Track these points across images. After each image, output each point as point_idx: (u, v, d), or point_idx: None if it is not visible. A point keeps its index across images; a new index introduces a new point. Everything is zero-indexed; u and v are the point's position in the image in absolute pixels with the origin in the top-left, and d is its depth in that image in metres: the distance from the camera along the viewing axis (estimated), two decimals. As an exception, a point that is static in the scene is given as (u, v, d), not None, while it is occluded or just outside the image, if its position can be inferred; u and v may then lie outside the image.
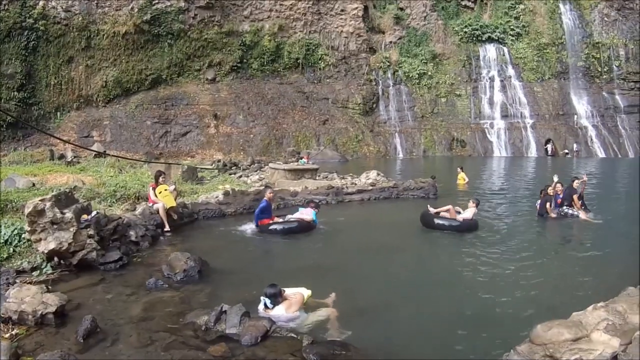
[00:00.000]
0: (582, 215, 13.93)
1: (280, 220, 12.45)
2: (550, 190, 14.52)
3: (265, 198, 12.65)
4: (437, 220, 12.51)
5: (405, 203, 17.80)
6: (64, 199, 8.69)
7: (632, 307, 4.68)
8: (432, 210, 12.97)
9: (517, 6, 47.19)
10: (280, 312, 6.38)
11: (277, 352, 5.19)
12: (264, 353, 5.18)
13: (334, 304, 6.95)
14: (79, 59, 37.83)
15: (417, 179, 19.79)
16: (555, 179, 15.39)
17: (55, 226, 8.16)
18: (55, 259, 8.22)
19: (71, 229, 8.17)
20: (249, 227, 12.64)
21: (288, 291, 6.67)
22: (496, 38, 46.74)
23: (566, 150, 43.80)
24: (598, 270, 9.14)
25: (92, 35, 37.96)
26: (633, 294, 5.04)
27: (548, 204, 14.27)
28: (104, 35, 38.05)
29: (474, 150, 44.05)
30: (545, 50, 46.63)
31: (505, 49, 46.85)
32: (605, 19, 47.05)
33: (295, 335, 5.61)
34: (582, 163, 37.89)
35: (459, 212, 12.96)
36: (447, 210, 12.88)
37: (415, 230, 12.89)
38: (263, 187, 17.08)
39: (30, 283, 7.23)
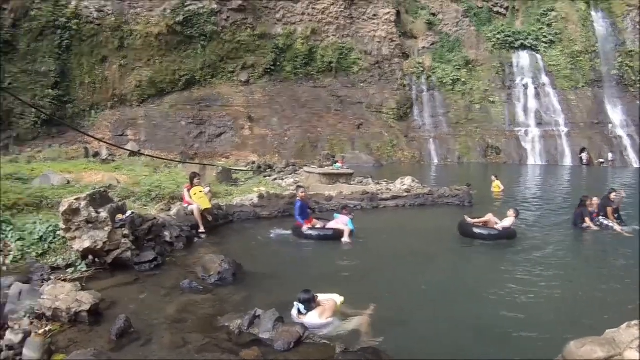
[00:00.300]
0: (617, 227, 13.65)
1: (318, 226, 12.36)
2: (588, 203, 14.31)
3: (297, 198, 12.71)
4: (475, 230, 12.44)
5: (440, 210, 17.73)
6: (98, 198, 8.73)
7: None
8: (469, 220, 12.85)
9: (549, 13, 46.92)
10: (313, 318, 6.37)
11: (309, 359, 5.18)
12: (297, 359, 5.17)
13: (366, 312, 6.85)
14: (112, 58, 37.28)
15: (452, 187, 19.73)
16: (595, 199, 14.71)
17: (90, 225, 8.19)
18: (90, 257, 8.24)
19: (106, 228, 8.23)
20: (284, 231, 12.64)
21: (321, 297, 6.66)
22: (529, 45, 46.33)
23: (601, 160, 42.90)
24: (632, 287, 8.80)
25: (125, 36, 37.47)
26: None
27: (587, 217, 14.08)
28: (137, 35, 37.59)
29: (508, 158, 43.13)
30: (578, 58, 46.08)
31: (539, 56, 46.35)
32: (638, 26, 46.59)
33: (328, 342, 5.60)
34: (617, 173, 37.21)
35: (497, 223, 12.81)
36: (487, 221, 12.82)
37: (449, 238, 12.78)
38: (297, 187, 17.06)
39: (64, 280, 7.24)
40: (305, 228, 12.10)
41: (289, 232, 12.46)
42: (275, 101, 40.68)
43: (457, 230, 12.87)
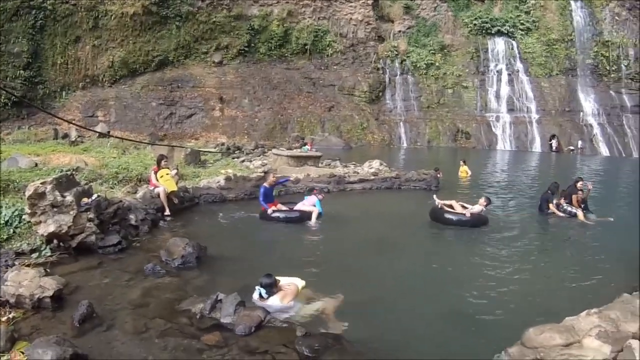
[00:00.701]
0: (580, 215, 13.94)
1: (284, 208, 12.50)
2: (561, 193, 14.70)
3: (265, 184, 12.79)
4: (447, 215, 12.62)
5: (406, 194, 17.86)
6: (65, 182, 8.71)
7: (625, 315, 4.71)
8: (438, 201, 13.04)
9: (528, 1, 46.98)
10: (274, 302, 6.40)
11: (270, 343, 5.23)
12: (257, 343, 5.23)
13: (328, 296, 6.90)
14: (86, 39, 37.68)
15: (419, 170, 19.80)
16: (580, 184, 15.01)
17: (55, 209, 8.18)
18: (55, 241, 8.23)
19: (71, 212, 8.20)
20: (250, 214, 12.73)
21: (282, 281, 6.68)
22: (505, 32, 46.45)
23: (571, 147, 43.65)
24: (594, 275, 9.03)
25: (99, 16, 37.69)
26: (627, 301, 5.08)
27: (551, 204, 14.44)
28: (111, 15, 37.84)
29: (478, 143, 43.88)
30: (554, 46, 46.31)
31: (514, 43, 46.57)
32: (616, 18, 46.74)
33: (289, 326, 5.67)
34: (586, 160, 37.99)
35: (465, 207, 13.01)
36: (450, 205, 12.96)
37: (416, 223, 12.95)
38: (265, 173, 17.18)
39: (28, 266, 7.28)
40: (270, 210, 12.25)
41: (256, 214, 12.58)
42: (248, 82, 41.38)
43: (426, 215, 13.12)
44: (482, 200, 12.97)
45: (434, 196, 13.54)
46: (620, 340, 4.40)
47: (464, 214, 12.57)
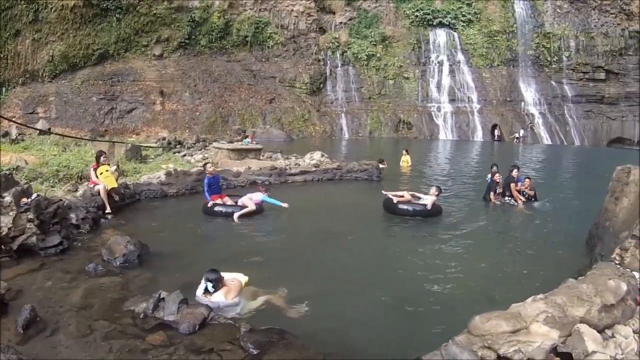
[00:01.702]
0: (521, 205, 15.34)
1: (228, 202, 13.39)
2: (497, 178, 16.09)
3: (207, 174, 13.82)
4: (402, 206, 13.52)
5: (349, 185, 19.42)
6: (4, 182, 9.23)
7: (571, 300, 5.06)
8: (388, 193, 14.14)
9: (470, -7, 52.53)
10: (218, 298, 6.84)
11: (215, 340, 5.52)
12: (202, 341, 5.52)
13: (273, 291, 7.53)
14: (25, 32, 41.46)
15: (361, 161, 21.37)
16: (495, 168, 16.62)
17: None
18: None
19: (11, 213, 8.44)
20: (192, 209, 13.72)
21: (226, 276, 7.13)
22: (447, 23, 52.05)
23: (516, 135, 49.09)
24: (539, 261, 9.93)
25: (40, 9, 41.28)
26: (572, 286, 5.46)
27: (492, 192, 15.92)
28: (52, 8, 41.56)
29: (420, 133, 49.35)
30: (495, 38, 52.13)
31: (456, 35, 52.26)
32: (558, 10, 52.63)
33: (233, 323, 5.98)
34: (527, 149, 42.81)
35: (419, 198, 14.04)
36: (402, 196, 13.90)
37: (358, 213, 14.16)
38: (203, 166, 18.48)
39: None
40: (210, 203, 13.16)
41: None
42: (188, 75, 46.29)
43: (370, 205, 14.35)
44: (433, 190, 13.84)
45: (382, 190, 14.63)
46: (568, 325, 4.75)
47: (421, 204, 13.51)
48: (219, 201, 13.34)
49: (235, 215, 12.70)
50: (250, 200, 13.20)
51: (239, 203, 13.20)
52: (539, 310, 4.85)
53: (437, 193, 13.75)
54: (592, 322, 4.96)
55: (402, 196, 13.86)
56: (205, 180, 13.51)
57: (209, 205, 13.12)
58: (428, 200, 13.57)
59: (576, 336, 4.67)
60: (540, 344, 4.52)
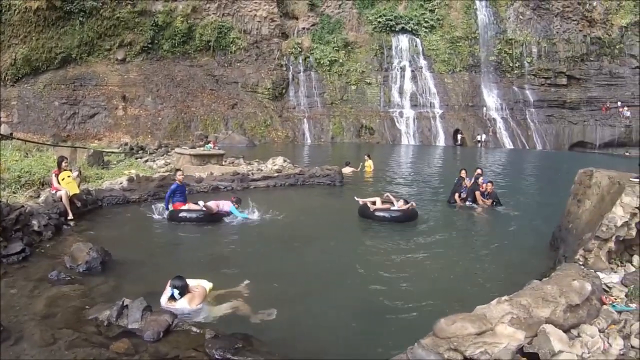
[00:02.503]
0: (479, 208, 16.61)
1: (194, 207, 14.05)
2: (466, 182, 17.48)
3: (176, 181, 14.49)
4: (378, 213, 14.42)
5: (310, 190, 20.48)
6: None
7: (536, 301, 5.42)
8: (360, 200, 15.17)
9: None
10: (182, 305, 7.18)
11: (180, 348, 5.81)
12: (167, 349, 5.80)
13: (238, 297, 7.91)
14: (-13, 35, 44.68)
15: (323, 167, 22.53)
16: (463, 173, 17.89)
17: None
18: None
19: None
20: (154, 215, 14.29)
21: (190, 283, 7.51)
22: (410, 29, 56.77)
23: (479, 139, 53.78)
24: (503, 263, 10.60)
25: (2, 10, 44.04)
26: (537, 287, 5.82)
27: (457, 194, 17.29)
28: (15, 10, 44.41)
29: (382, 138, 53.63)
30: (458, 44, 57.02)
31: (418, 40, 57.07)
32: (520, 17, 57.75)
33: (197, 330, 6.28)
34: (490, 153, 46.95)
35: (388, 202, 15.06)
36: (374, 202, 14.84)
37: (324, 218, 15.27)
38: (171, 172, 19.80)
39: None
40: (170, 209, 13.99)
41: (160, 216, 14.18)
42: (151, 80, 50.19)
43: (334, 209, 15.74)
44: (401, 203, 14.93)
45: (355, 197, 15.63)
46: (533, 325, 5.11)
47: (398, 209, 14.52)
48: (184, 207, 14.03)
49: (201, 202, 13.82)
50: (216, 205, 13.99)
51: (204, 206, 13.86)
52: (504, 312, 5.17)
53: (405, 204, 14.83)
54: (558, 322, 5.31)
55: (374, 202, 14.81)
56: (172, 186, 14.24)
57: (177, 210, 13.88)
58: (402, 204, 14.73)
59: (542, 336, 4.98)
60: (506, 345, 4.82)
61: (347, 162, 25.93)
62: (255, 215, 14.37)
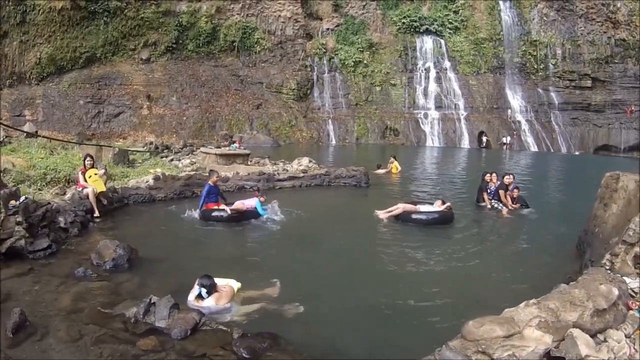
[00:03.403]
0: (505, 210, 16.03)
1: (223, 207, 13.84)
2: (488, 179, 17.16)
3: (209, 182, 14.35)
4: (414, 216, 14.11)
5: (337, 190, 20.29)
6: None
7: (564, 305, 5.38)
8: (380, 213, 14.56)
9: (456, 0, 56.89)
10: (209, 304, 7.16)
11: (207, 346, 5.80)
12: (194, 347, 5.79)
13: (266, 296, 7.92)
14: (13, 34, 44.27)
15: (349, 167, 22.14)
16: (488, 177, 17.54)
17: None
18: None
19: None
20: (180, 214, 14.19)
21: (218, 282, 7.47)
22: (434, 30, 56.30)
23: (504, 141, 52.90)
24: (531, 266, 10.39)
25: (27, 10, 44.05)
26: (565, 291, 5.78)
27: (485, 193, 16.92)
28: (39, 10, 44.27)
29: (406, 140, 52.98)
30: (482, 45, 56.41)
31: (443, 42, 56.51)
32: (545, 18, 57.03)
33: (225, 328, 6.27)
34: (514, 156, 45.88)
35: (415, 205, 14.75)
36: (396, 209, 14.39)
37: (350, 218, 15.07)
38: (197, 171, 20.21)
39: None
40: (213, 208, 13.87)
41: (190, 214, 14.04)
42: (175, 80, 49.74)
43: (359, 210, 15.44)
44: (438, 203, 14.69)
45: (376, 211, 14.84)
46: (561, 329, 5.07)
47: (436, 211, 14.30)
48: (216, 207, 14.02)
49: (227, 207, 13.65)
50: (242, 204, 13.93)
51: (230, 210, 13.76)
52: (532, 315, 5.15)
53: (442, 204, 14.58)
54: (585, 326, 5.29)
55: (396, 209, 14.36)
56: (206, 188, 14.17)
57: (210, 209, 13.86)
58: (436, 207, 14.48)
59: (569, 340, 4.97)
60: (533, 348, 4.81)
61: (379, 164, 25.81)
62: (278, 216, 14.15)
